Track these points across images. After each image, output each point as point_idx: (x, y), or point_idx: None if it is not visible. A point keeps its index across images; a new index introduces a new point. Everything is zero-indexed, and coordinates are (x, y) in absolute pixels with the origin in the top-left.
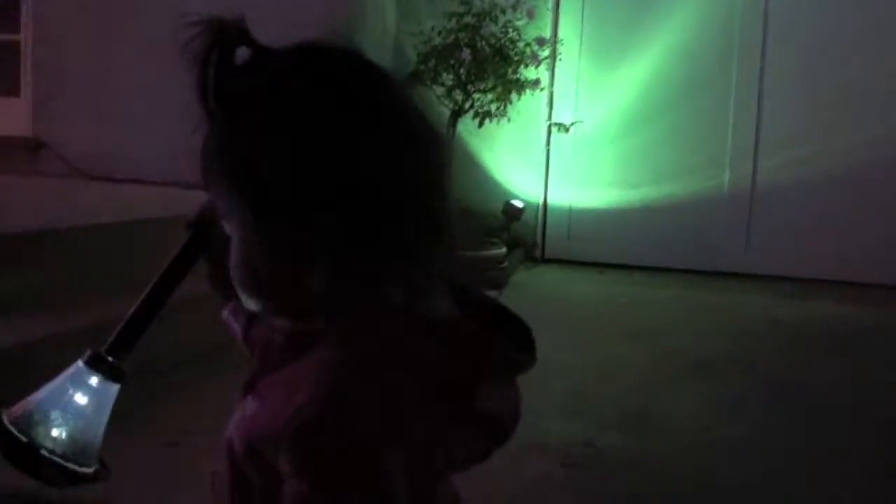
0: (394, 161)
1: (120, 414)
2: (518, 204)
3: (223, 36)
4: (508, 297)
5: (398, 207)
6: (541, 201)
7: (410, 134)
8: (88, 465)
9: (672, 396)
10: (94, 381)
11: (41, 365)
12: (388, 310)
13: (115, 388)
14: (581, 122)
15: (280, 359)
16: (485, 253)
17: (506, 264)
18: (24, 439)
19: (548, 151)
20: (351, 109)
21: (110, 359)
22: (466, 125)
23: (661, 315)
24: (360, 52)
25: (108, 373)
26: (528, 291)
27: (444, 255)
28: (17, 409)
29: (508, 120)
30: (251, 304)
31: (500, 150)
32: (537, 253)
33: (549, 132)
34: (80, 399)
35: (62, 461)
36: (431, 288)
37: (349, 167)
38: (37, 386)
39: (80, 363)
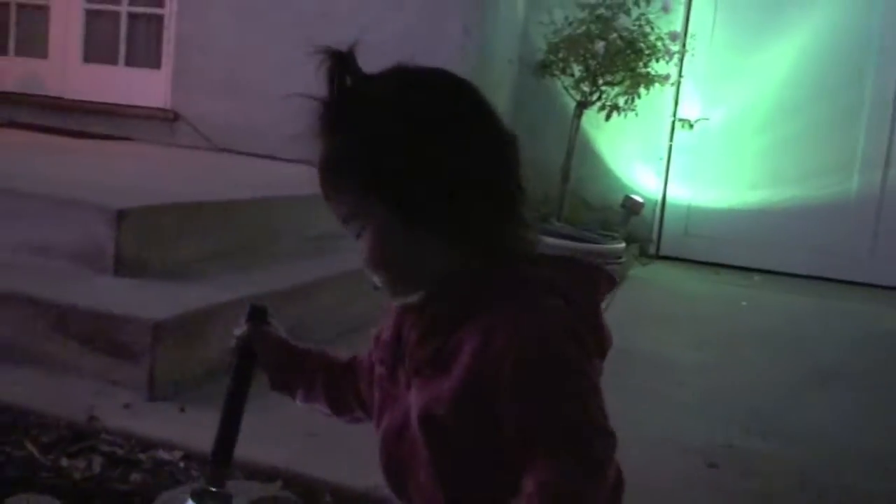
0: (500, 156)
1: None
2: (638, 199)
3: (338, 64)
4: (628, 293)
5: (514, 190)
6: (659, 197)
7: (504, 132)
8: None
9: (801, 402)
10: None
11: (200, 336)
12: (522, 260)
13: None
14: (706, 119)
15: (440, 338)
16: (604, 246)
17: (624, 259)
18: None
19: (670, 147)
20: (465, 114)
21: (213, 489)
22: (590, 117)
23: (782, 320)
24: (445, 70)
25: (218, 500)
26: (648, 288)
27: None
28: None
29: (636, 114)
30: (404, 294)
31: (622, 143)
32: (652, 249)
33: (673, 128)
34: None
35: None
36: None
37: (471, 161)
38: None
39: (189, 501)
